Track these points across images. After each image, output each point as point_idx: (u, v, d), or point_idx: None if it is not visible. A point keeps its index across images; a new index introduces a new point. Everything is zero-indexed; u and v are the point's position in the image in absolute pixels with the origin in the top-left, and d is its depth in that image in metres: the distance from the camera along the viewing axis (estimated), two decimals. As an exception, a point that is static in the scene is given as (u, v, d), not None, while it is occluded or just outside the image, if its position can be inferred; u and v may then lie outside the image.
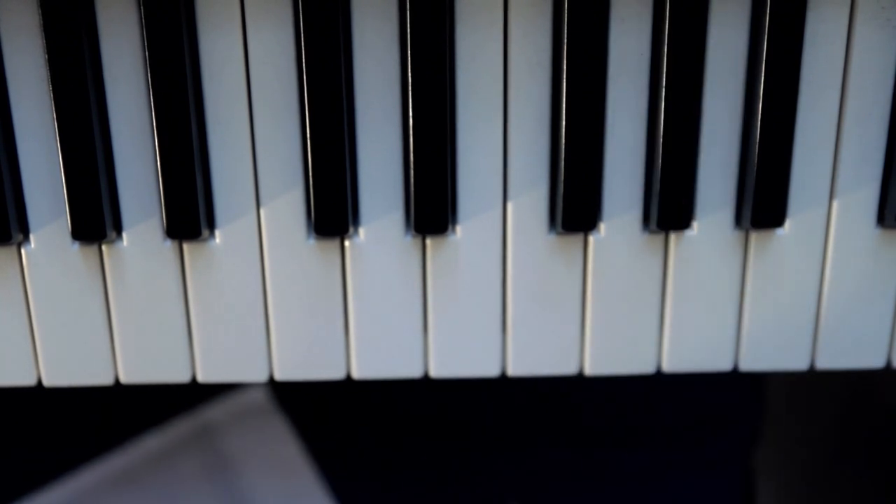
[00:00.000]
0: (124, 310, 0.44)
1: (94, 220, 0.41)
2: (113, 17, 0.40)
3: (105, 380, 0.45)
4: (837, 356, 0.46)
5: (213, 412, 0.68)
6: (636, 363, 0.46)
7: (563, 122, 0.41)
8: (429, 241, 0.43)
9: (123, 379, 0.45)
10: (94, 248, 0.43)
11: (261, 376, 0.45)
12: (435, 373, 0.45)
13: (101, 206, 0.41)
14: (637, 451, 0.62)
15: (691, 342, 0.45)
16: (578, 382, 0.47)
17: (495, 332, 0.45)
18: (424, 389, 0.60)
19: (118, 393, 0.57)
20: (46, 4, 0.39)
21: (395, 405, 0.65)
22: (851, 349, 0.46)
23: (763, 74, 0.40)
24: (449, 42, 0.40)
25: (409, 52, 0.40)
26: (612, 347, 0.45)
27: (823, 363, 0.46)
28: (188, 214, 0.42)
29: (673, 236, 0.44)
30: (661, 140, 0.41)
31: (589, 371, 0.46)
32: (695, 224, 0.43)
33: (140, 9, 0.39)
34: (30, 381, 0.45)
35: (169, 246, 0.43)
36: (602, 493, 0.60)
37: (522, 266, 0.44)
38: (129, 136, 0.41)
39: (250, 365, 0.45)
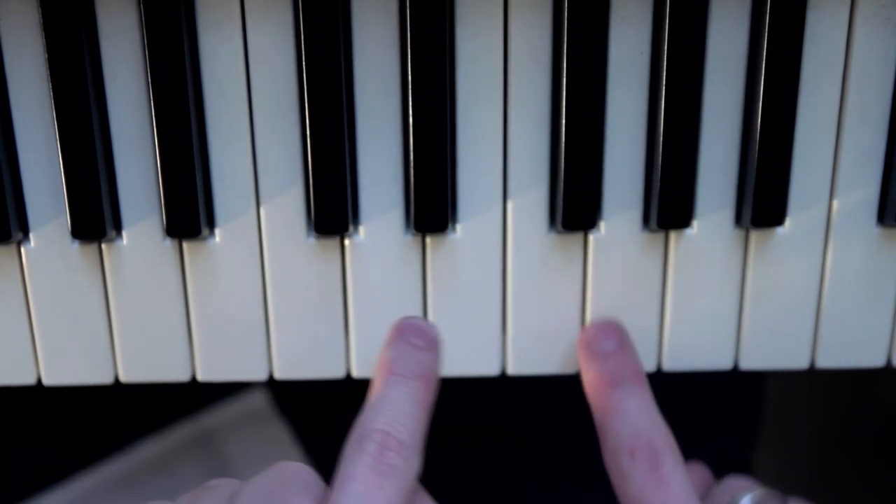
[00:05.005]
0: (124, 308, 0.44)
1: (94, 218, 0.41)
2: (113, 17, 0.40)
3: (104, 379, 0.45)
4: (837, 355, 0.46)
5: (214, 417, 0.68)
6: (636, 362, 0.46)
7: (563, 121, 0.41)
8: (429, 240, 0.43)
9: (123, 378, 0.45)
10: (94, 246, 0.43)
11: (260, 375, 0.45)
12: (434, 372, 0.45)
13: (100, 205, 0.41)
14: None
15: (691, 341, 0.45)
16: (577, 382, 0.46)
17: (495, 330, 0.45)
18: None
19: (119, 397, 0.57)
20: (46, 4, 0.39)
21: None
22: (851, 349, 0.46)
23: (763, 73, 0.40)
24: (449, 42, 0.40)
25: (409, 52, 0.40)
26: (612, 347, 0.45)
27: (823, 362, 0.46)
28: (188, 213, 0.42)
29: (673, 235, 0.44)
30: (661, 139, 0.41)
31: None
32: (695, 223, 0.43)
33: (140, 9, 0.39)
34: (29, 380, 0.45)
35: (169, 245, 0.43)
36: (600, 494, 0.60)
37: (522, 265, 0.44)
38: (129, 135, 0.42)
39: (250, 364, 0.45)
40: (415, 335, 0.41)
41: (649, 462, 0.40)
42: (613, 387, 0.42)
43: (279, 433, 0.67)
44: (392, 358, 0.41)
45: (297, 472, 0.39)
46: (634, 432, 0.41)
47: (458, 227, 0.43)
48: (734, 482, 0.44)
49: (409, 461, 0.38)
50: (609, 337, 0.43)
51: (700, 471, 0.47)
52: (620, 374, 0.42)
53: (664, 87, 0.40)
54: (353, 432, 0.39)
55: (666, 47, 0.40)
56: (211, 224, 0.43)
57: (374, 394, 0.40)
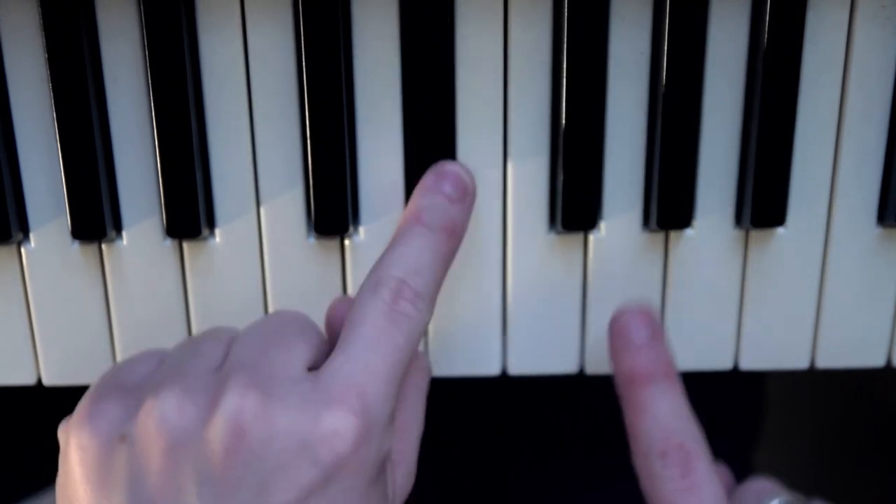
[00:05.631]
0: (124, 309, 0.44)
1: (94, 219, 0.41)
2: (113, 17, 0.40)
3: (105, 379, 0.45)
4: (837, 355, 0.46)
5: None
6: (636, 362, 0.46)
7: (563, 122, 0.41)
8: (429, 241, 0.43)
9: (123, 378, 0.45)
10: (94, 247, 0.43)
11: (261, 376, 0.45)
12: (435, 372, 0.45)
13: (100, 205, 0.41)
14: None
15: (691, 341, 0.45)
16: (577, 382, 0.46)
17: (495, 331, 0.45)
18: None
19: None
20: (46, 4, 0.39)
21: None
22: (851, 348, 0.46)
23: (763, 73, 0.40)
24: (449, 42, 0.40)
25: (409, 51, 0.40)
26: (612, 347, 0.45)
27: (823, 362, 0.46)
28: (188, 213, 0.42)
29: (673, 235, 0.44)
30: (661, 138, 0.41)
31: (589, 370, 0.46)
32: (695, 223, 0.43)
33: (140, 9, 0.39)
34: (30, 380, 0.45)
35: (169, 245, 0.43)
36: (601, 494, 0.60)
37: (523, 265, 0.44)
38: (128, 135, 0.42)
39: (250, 364, 0.45)
40: (450, 184, 0.40)
41: (681, 467, 0.39)
42: (645, 383, 0.41)
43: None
44: (420, 206, 0.40)
45: (295, 318, 0.38)
46: (666, 434, 0.40)
47: (458, 227, 0.43)
48: (758, 484, 0.43)
49: (421, 312, 0.37)
50: (642, 326, 0.42)
51: (723, 473, 0.46)
52: (653, 369, 0.41)
53: (664, 87, 0.40)
54: (368, 278, 0.38)
55: (666, 47, 0.40)
56: (211, 224, 0.43)
57: (396, 240, 0.39)
